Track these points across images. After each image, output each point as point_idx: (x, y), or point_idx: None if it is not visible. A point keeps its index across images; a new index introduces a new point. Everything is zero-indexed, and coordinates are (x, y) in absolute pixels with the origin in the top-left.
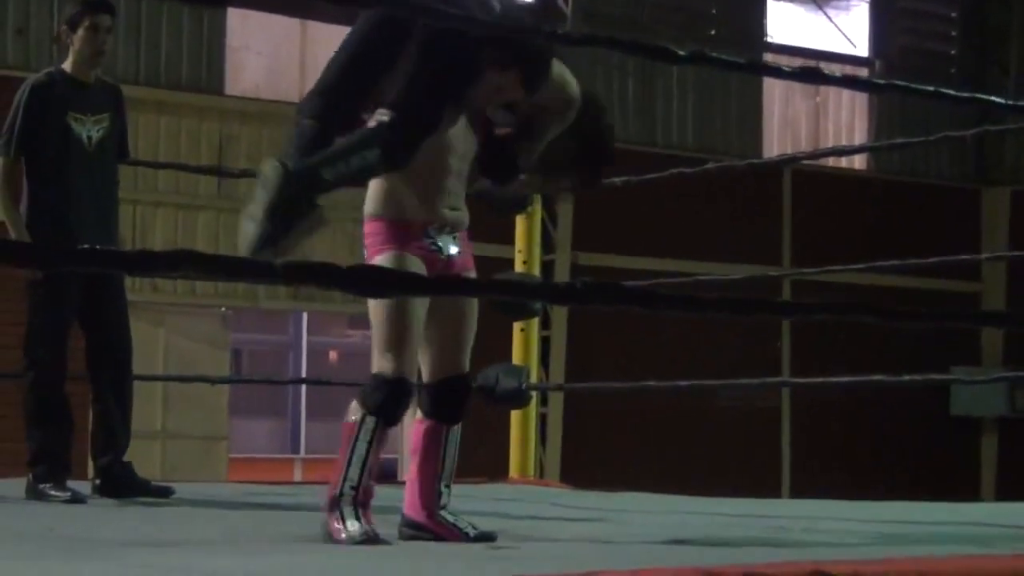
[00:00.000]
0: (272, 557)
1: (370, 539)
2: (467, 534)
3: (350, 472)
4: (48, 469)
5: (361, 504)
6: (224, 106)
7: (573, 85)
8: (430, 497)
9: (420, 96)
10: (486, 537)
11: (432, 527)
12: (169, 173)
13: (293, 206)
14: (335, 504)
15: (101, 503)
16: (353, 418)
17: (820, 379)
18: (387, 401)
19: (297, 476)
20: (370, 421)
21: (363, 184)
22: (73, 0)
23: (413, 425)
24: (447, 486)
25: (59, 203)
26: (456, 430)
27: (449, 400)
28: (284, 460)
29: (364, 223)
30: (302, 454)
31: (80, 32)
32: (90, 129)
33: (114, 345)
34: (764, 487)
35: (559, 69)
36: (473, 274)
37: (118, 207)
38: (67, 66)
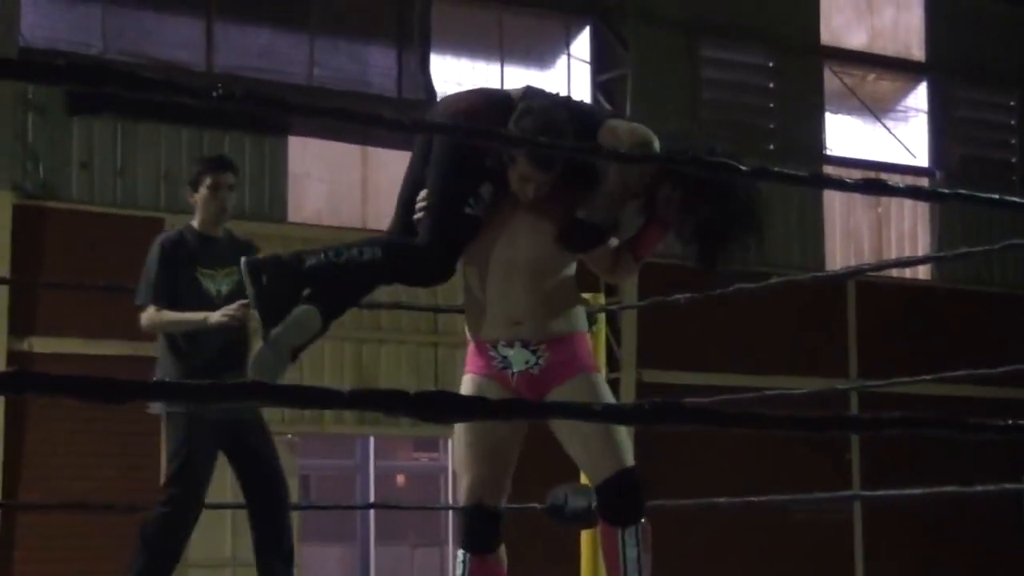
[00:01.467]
0: None
1: None
2: None
3: None
4: None
5: None
6: (287, 233)
7: (640, 134)
8: None
9: (435, 211)
10: None
11: None
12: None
13: (276, 291)
14: None
15: None
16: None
17: (891, 491)
18: (466, 532)
19: None
20: (460, 554)
21: (355, 281)
22: (195, 160)
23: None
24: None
25: (190, 354)
26: (634, 531)
27: (611, 500)
28: None
29: None
30: None
31: (203, 191)
32: (220, 283)
33: (271, 481)
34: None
35: (613, 124)
36: (579, 380)
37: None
38: (195, 223)
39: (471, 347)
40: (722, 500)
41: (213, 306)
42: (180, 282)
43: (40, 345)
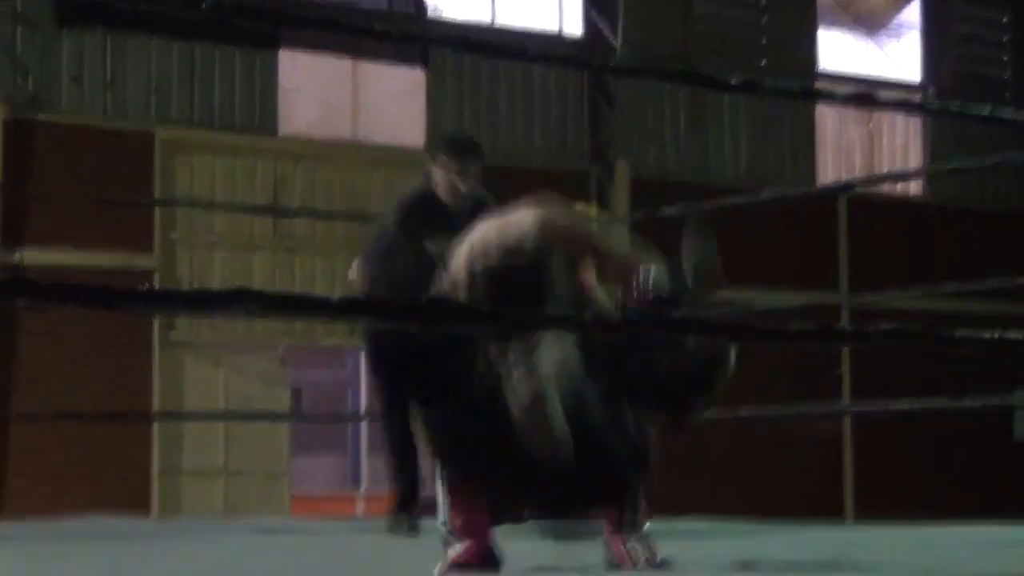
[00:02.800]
0: None
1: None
2: (635, 561)
3: None
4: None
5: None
6: (278, 147)
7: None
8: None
9: None
10: (664, 564)
11: (622, 556)
12: (225, 214)
13: None
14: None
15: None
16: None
17: (881, 406)
18: None
19: (359, 511)
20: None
21: None
22: (451, 138)
23: None
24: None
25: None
26: None
27: None
28: (346, 496)
29: None
30: (363, 489)
31: (450, 174)
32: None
33: None
34: (826, 513)
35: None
36: None
37: None
38: (438, 190)
39: None
40: (710, 413)
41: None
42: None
43: (31, 257)
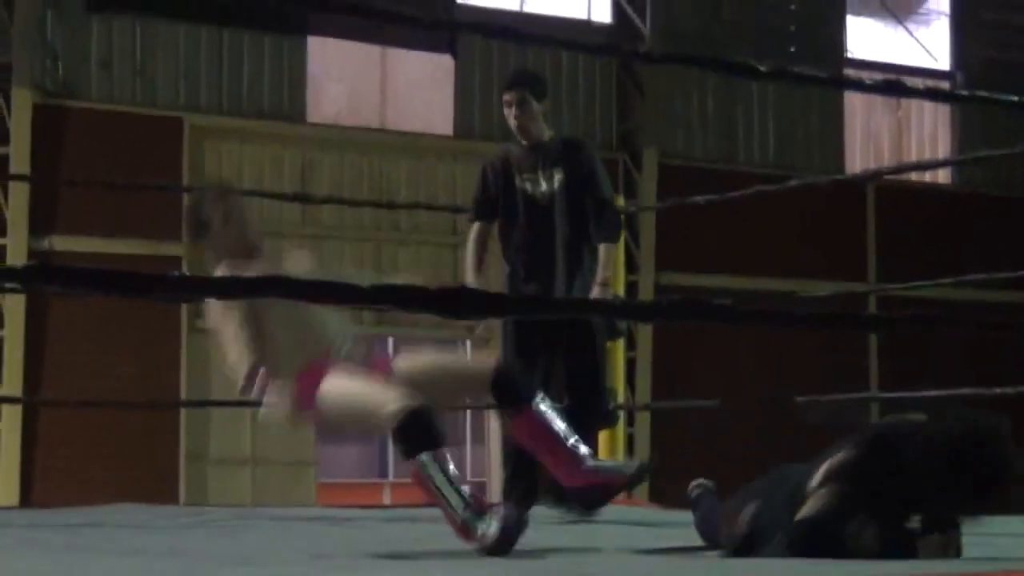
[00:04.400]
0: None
1: (509, 518)
2: (625, 472)
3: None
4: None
5: (479, 507)
6: (306, 134)
7: None
8: (571, 459)
9: None
10: (644, 469)
11: (595, 482)
12: (253, 201)
13: None
14: (465, 530)
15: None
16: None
17: (908, 393)
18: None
19: (386, 500)
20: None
21: None
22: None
23: (511, 429)
24: (575, 442)
25: (511, 254)
26: (539, 403)
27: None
28: (373, 484)
29: None
30: (391, 478)
31: (506, 110)
32: (539, 185)
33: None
34: None
35: None
36: None
37: (566, 253)
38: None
39: None
40: (736, 401)
41: (536, 207)
42: (502, 192)
43: (60, 243)
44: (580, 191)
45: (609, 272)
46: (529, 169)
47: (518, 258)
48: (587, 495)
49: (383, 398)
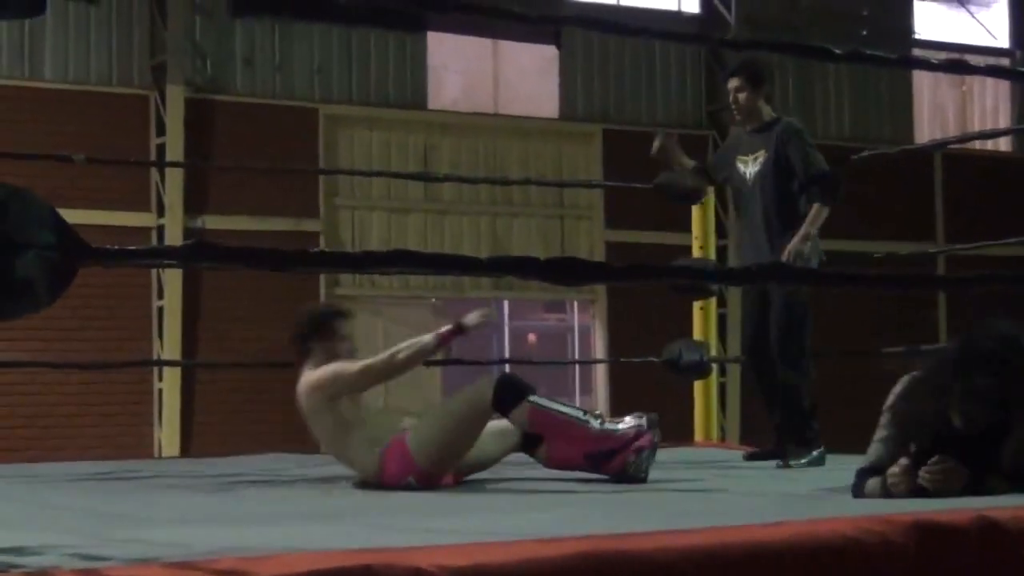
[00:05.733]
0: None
1: (649, 417)
2: (636, 432)
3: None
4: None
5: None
6: (427, 119)
7: None
8: (582, 430)
9: None
10: (652, 422)
11: (612, 445)
12: (381, 181)
13: None
14: (603, 438)
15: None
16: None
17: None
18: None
19: None
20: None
21: None
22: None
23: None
24: (583, 414)
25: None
26: (536, 399)
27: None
28: None
29: None
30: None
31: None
32: (750, 167)
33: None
34: None
35: None
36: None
37: (776, 230)
38: None
39: None
40: (814, 351)
41: (746, 186)
42: (727, 170)
43: (212, 222)
44: (782, 172)
45: None
46: (743, 152)
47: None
48: (605, 457)
49: (471, 396)
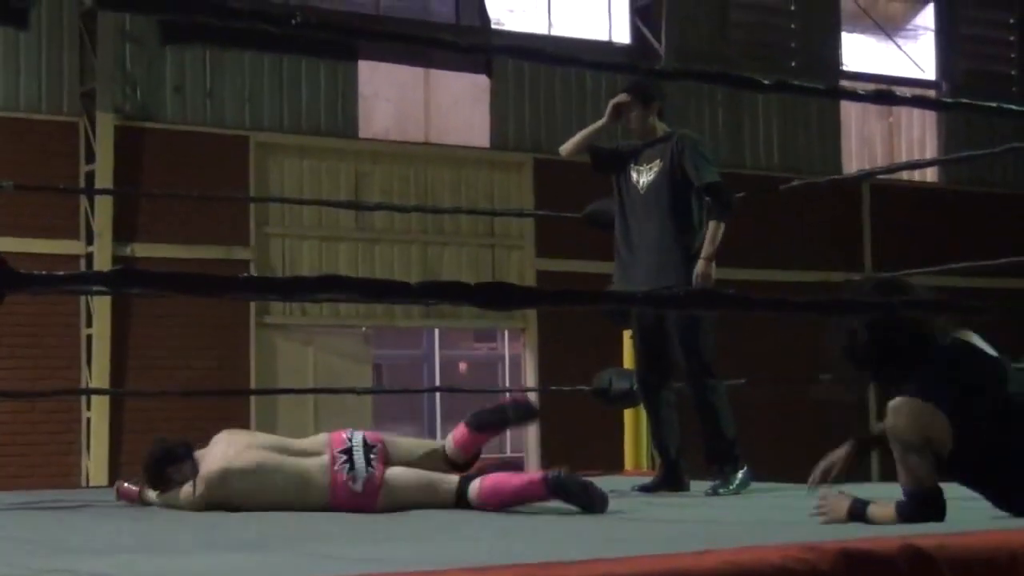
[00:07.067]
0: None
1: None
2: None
3: None
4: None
5: None
6: (358, 148)
7: None
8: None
9: None
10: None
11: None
12: (313, 209)
13: None
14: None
15: None
16: None
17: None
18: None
19: None
20: None
21: None
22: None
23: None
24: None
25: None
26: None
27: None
28: None
29: None
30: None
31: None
32: (642, 175)
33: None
34: (855, 474)
35: None
36: None
37: (669, 238)
38: None
39: None
40: (743, 380)
41: (639, 195)
42: (616, 171)
43: (141, 250)
44: (674, 183)
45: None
46: (637, 161)
47: (622, 243)
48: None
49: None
